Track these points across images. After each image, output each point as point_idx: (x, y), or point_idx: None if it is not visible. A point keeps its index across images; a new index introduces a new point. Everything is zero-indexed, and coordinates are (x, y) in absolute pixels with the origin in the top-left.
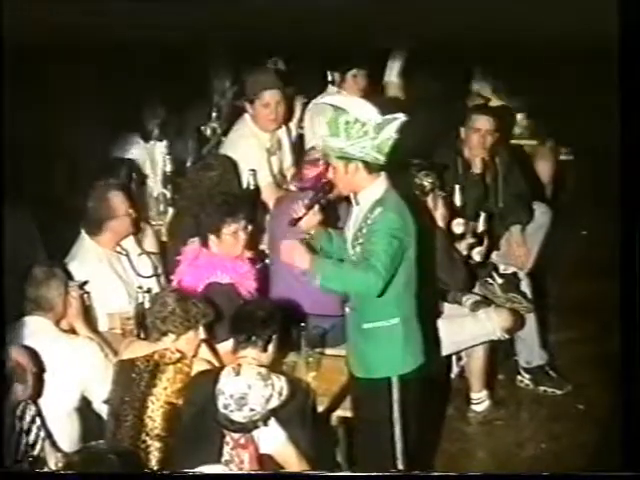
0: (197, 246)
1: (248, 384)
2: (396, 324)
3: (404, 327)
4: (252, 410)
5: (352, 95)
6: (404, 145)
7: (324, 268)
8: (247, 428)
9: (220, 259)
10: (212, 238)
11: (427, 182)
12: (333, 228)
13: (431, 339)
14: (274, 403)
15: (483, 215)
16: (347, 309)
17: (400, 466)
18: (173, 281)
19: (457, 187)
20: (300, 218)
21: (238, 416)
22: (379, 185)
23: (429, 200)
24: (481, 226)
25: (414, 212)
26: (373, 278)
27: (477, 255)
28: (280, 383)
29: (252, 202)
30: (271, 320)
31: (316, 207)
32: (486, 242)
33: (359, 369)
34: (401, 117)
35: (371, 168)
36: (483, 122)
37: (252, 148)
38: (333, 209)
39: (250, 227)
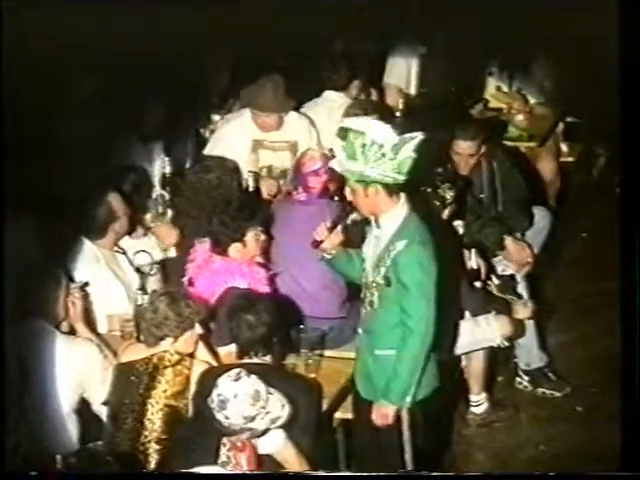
0: (207, 247)
1: (235, 393)
2: None
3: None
4: (227, 418)
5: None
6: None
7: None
8: (226, 432)
9: (237, 264)
10: (235, 245)
11: (449, 195)
12: (352, 247)
13: (447, 361)
14: (259, 425)
15: (474, 251)
16: (360, 331)
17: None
18: (183, 282)
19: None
20: (322, 241)
21: (220, 415)
22: (400, 209)
23: (446, 212)
24: (474, 264)
25: (433, 232)
26: (420, 341)
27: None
28: (279, 413)
29: (264, 204)
30: (271, 330)
31: (338, 228)
32: (483, 275)
33: (367, 391)
34: (419, 136)
35: (391, 190)
36: (464, 147)
37: (242, 140)
38: (354, 229)
39: (263, 230)
